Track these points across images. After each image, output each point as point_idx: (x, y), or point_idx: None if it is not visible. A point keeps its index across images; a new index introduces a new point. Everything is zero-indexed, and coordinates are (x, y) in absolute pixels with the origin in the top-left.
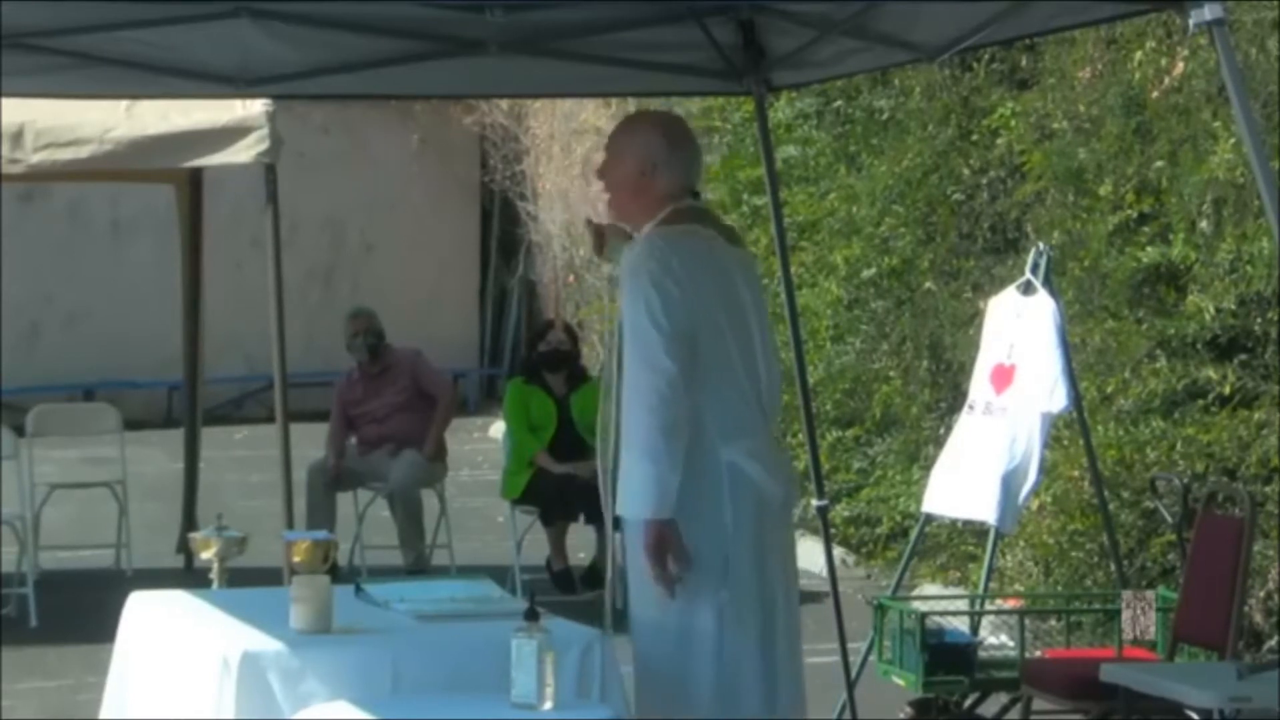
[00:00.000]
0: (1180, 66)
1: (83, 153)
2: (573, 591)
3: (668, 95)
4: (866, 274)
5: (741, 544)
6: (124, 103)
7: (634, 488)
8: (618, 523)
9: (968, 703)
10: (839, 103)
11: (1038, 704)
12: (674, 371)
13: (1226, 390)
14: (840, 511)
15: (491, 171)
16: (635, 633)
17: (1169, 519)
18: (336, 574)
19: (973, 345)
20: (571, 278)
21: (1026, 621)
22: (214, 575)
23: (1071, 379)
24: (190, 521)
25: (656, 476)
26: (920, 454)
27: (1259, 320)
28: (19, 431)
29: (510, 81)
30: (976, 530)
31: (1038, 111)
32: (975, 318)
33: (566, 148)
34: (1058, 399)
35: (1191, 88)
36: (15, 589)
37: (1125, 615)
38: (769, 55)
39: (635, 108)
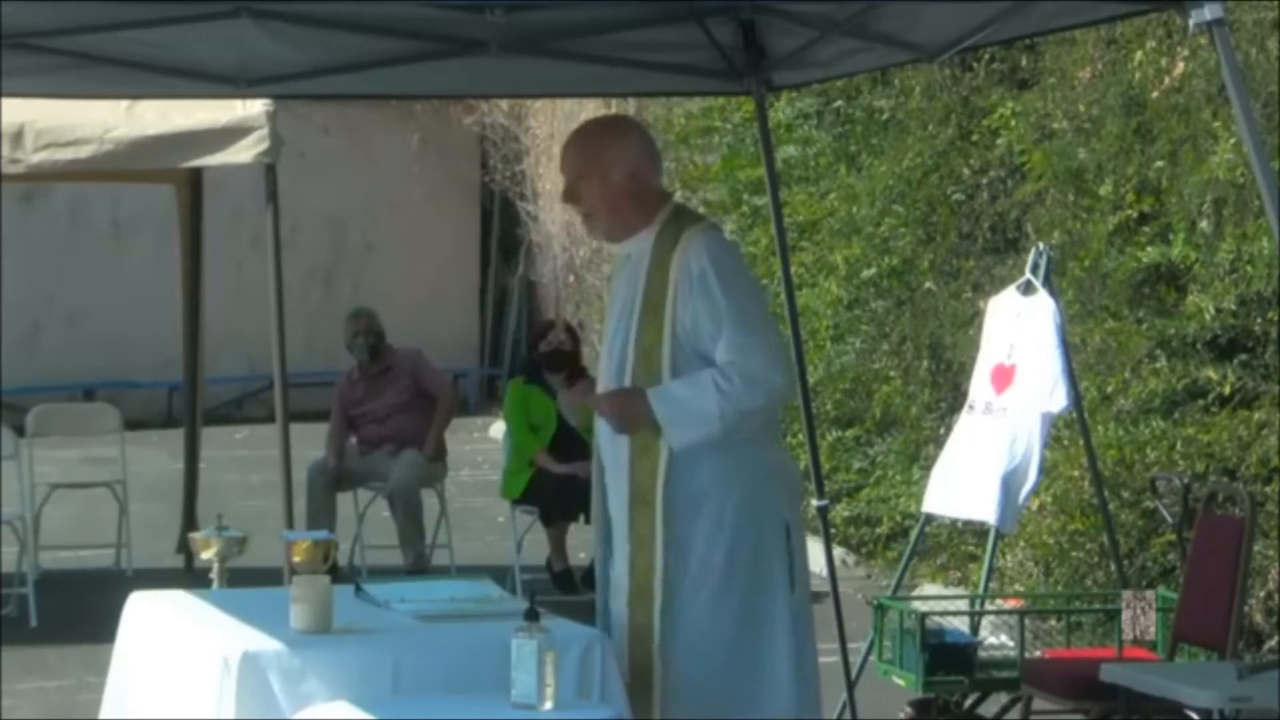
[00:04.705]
0: (1180, 66)
1: (83, 153)
2: (573, 591)
3: (668, 95)
4: (866, 274)
5: (798, 542)
6: (124, 103)
7: (687, 433)
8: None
9: (968, 703)
10: (839, 103)
11: (1038, 704)
12: (780, 384)
13: (1226, 390)
14: (840, 511)
15: (491, 171)
16: (688, 648)
17: (1169, 519)
18: (336, 574)
19: (973, 345)
20: (571, 278)
21: (1026, 621)
22: (214, 575)
23: (1071, 379)
24: (190, 521)
25: (702, 438)
26: (920, 454)
27: (1259, 320)
28: (19, 431)
29: (510, 81)
30: (976, 530)
31: (1038, 111)
32: (975, 318)
33: None
34: (1058, 399)
35: (1191, 88)
36: (15, 589)
37: (1125, 615)
38: (769, 55)
39: (636, 108)
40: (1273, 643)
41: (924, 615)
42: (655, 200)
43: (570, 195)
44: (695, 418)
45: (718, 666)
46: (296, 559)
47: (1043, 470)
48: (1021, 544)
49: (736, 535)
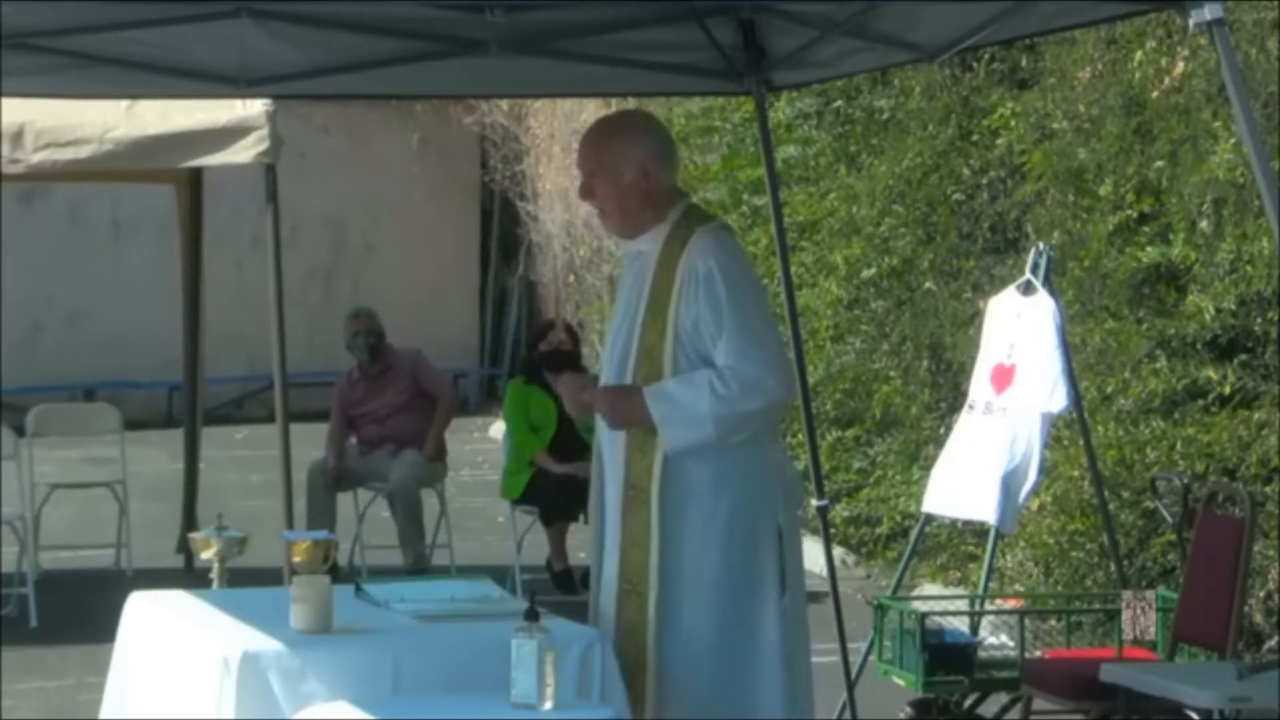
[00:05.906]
0: (1180, 66)
1: (83, 153)
2: (573, 591)
3: (668, 95)
4: (866, 274)
5: (793, 545)
6: (124, 103)
7: (682, 434)
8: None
9: (968, 703)
10: (839, 103)
11: (1038, 704)
12: (777, 389)
13: (1226, 390)
14: (840, 511)
15: (491, 171)
16: (678, 647)
17: (1169, 519)
18: (336, 574)
19: (973, 345)
20: (571, 278)
21: (1026, 621)
22: (214, 575)
23: (1071, 379)
24: (190, 521)
25: (696, 441)
26: (920, 454)
27: (1259, 320)
28: (19, 431)
29: (510, 81)
30: (976, 530)
31: (1038, 111)
32: (975, 318)
33: (566, 148)
34: (1058, 399)
35: (1191, 88)
36: (15, 589)
37: (1125, 615)
38: (769, 55)
39: (636, 107)
40: (1273, 643)
41: (924, 615)
42: (667, 199)
43: (585, 192)
44: (690, 420)
45: (706, 666)
46: (296, 559)
47: (1043, 470)
48: (1021, 544)
49: (730, 535)
